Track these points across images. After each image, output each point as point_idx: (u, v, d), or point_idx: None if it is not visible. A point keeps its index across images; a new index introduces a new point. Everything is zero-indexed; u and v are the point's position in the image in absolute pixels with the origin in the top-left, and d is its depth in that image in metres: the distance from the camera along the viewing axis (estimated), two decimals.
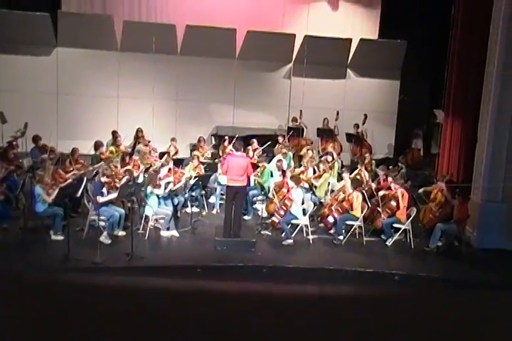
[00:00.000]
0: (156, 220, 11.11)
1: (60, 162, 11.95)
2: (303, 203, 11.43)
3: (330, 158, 13.74)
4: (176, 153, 14.23)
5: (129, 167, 12.22)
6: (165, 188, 11.10)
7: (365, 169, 13.47)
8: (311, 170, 13.16)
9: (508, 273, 10.25)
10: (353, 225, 11.29)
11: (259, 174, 12.89)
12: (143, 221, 11.04)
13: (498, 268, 10.51)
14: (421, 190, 12.05)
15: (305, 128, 16.88)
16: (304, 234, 11.24)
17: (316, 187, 12.70)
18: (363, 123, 16.69)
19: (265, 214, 11.67)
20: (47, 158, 11.49)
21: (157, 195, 11.01)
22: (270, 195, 11.96)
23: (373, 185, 12.28)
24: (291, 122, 17.20)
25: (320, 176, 12.87)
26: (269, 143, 14.99)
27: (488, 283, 9.78)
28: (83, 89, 17.03)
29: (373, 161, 14.72)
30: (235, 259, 9.93)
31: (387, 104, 18.42)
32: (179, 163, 13.04)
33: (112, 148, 13.68)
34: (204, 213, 12.53)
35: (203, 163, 13.13)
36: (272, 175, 13.11)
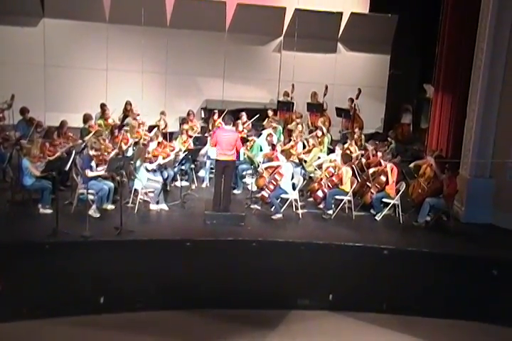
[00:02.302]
0: (146, 194, 11.07)
1: (47, 135, 11.83)
2: (292, 177, 11.42)
3: (319, 133, 13.71)
4: (166, 126, 14.11)
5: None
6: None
7: (355, 144, 13.47)
8: (300, 145, 13.17)
9: (495, 247, 10.36)
10: (342, 200, 11.30)
11: (248, 148, 12.86)
12: (132, 194, 11.00)
13: (485, 242, 10.62)
14: (412, 165, 12.08)
15: (295, 103, 16.80)
16: (294, 209, 11.25)
17: (305, 161, 12.70)
18: (357, 98, 16.62)
19: (255, 189, 11.65)
20: (34, 132, 11.42)
21: (146, 169, 10.96)
22: (260, 169, 11.94)
23: (363, 161, 12.29)
24: (283, 96, 17.10)
25: (310, 151, 12.88)
26: (257, 116, 14.88)
27: (475, 258, 9.88)
28: (71, 61, 16.82)
29: (363, 136, 14.68)
30: (224, 233, 9.93)
31: (377, 78, 18.34)
32: (168, 136, 12.96)
33: (101, 121, 13.56)
34: (194, 187, 12.50)
35: (192, 137, 13.05)
36: (261, 149, 13.08)
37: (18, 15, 16.11)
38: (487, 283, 9.62)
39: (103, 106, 14.13)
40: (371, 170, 11.63)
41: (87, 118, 12.95)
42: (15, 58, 16.35)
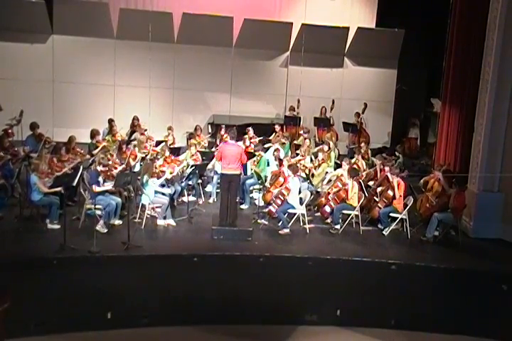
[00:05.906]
0: (153, 209, 11.07)
1: (55, 150, 11.89)
2: (300, 192, 11.40)
3: (326, 148, 13.73)
4: (173, 141, 14.17)
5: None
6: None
7: (362, 158, 13.46)
8: (308, 159, 13.17)
9: (504, 262, 10.28)
10: (349, 214, 11.27)
11: (255, 163, 12.86)
12: (139, 210, 11.01)
13: (494, 257, 10.54)
14: (421, 181, 12.03)
15: (301, 117, 16.84)
16: (301, 223, 11.23)
17: (313, 175, 12.70)
18: (363, 112, 16.68)
19: (262, 204, 11.64)
20: (43, 149, 11.48)
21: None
22: (267, 184, 11.93)
23: (371, 183, 12.27)
24: (289, 111, 17.16)
25: (319, 165, 12.88)
26: (264, 137, 14.99)
27: (484, 273, 9.81)
28: (79, 77, 16.96)
29: (369, 151, 14.67)
30: (231, 248, 9.91)
31: (384, 92, 18.39)
32: (176, 151, 13.00)
33: (109, 137, 13.62)
34: (201, 202, 12.50)
35: (199, 152, 13.08)
36: (268, 164, 13.08)
37: (27, 32, 16.28)
38: (496, 298, 9.54)
39: (111, 121, 14.21)
40: (379, 189, 11.62)
41: (94, 134, 13.03)
42: (24, 74, 16.53)
